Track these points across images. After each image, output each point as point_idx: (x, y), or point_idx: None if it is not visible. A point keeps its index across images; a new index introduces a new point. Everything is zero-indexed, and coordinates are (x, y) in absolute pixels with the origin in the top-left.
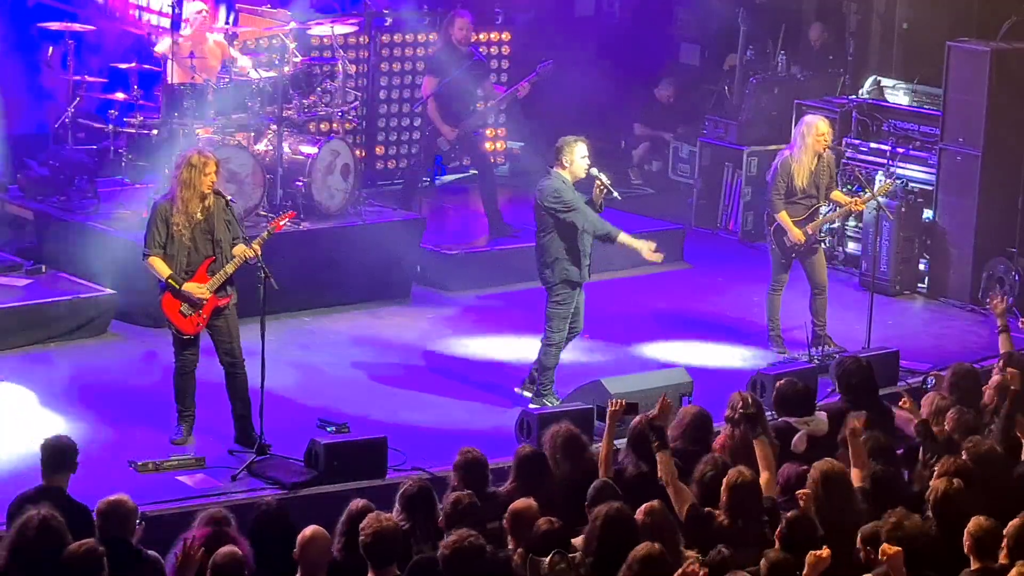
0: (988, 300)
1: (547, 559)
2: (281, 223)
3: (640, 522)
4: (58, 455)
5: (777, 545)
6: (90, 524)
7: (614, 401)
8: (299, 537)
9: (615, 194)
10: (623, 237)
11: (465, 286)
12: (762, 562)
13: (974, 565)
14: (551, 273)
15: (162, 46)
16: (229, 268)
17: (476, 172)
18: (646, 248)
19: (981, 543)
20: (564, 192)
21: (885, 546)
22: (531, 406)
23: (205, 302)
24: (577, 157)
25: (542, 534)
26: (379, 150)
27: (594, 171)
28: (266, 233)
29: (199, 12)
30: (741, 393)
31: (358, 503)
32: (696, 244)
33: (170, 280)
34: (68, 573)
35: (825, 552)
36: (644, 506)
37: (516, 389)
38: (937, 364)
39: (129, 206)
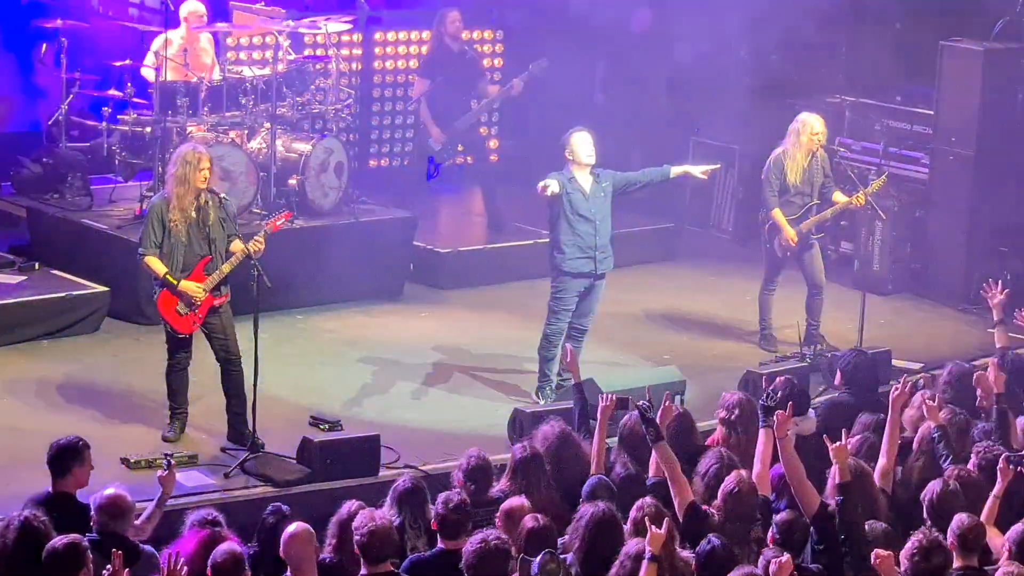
0: (983, 290)
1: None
2: (278, 223)
3: (634, 519)
4: (55, 459)
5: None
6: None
7: (605, 396)
8: (283, 535)
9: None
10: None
11: (458, 284)
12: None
13: (956, 563)
14: (549, 262)
15: (155, 44)
16: (226, 267)
17: (475, 168)
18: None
19: (964, 541)
20: (551, 184)
21: (877, 551)
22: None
23: (200, 302)
24: (576, 148)
25: (527, 532)
26: (373, 148)
27: None
28: (263, 233)
29: (199, 16)
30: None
31: (351, 505)
32: (688, 242)
33: (167, 277)
34: (50, 569)
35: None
36: (639, 502)
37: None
38: (929, 364)
39: (122, 204)
